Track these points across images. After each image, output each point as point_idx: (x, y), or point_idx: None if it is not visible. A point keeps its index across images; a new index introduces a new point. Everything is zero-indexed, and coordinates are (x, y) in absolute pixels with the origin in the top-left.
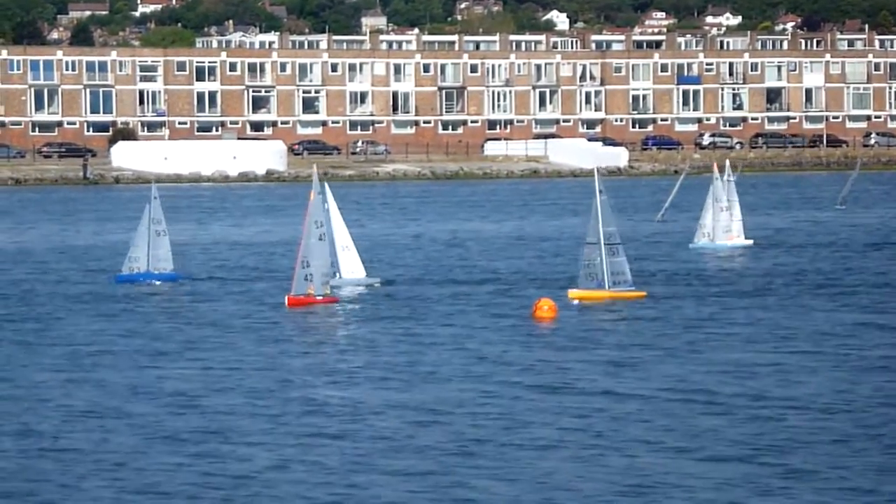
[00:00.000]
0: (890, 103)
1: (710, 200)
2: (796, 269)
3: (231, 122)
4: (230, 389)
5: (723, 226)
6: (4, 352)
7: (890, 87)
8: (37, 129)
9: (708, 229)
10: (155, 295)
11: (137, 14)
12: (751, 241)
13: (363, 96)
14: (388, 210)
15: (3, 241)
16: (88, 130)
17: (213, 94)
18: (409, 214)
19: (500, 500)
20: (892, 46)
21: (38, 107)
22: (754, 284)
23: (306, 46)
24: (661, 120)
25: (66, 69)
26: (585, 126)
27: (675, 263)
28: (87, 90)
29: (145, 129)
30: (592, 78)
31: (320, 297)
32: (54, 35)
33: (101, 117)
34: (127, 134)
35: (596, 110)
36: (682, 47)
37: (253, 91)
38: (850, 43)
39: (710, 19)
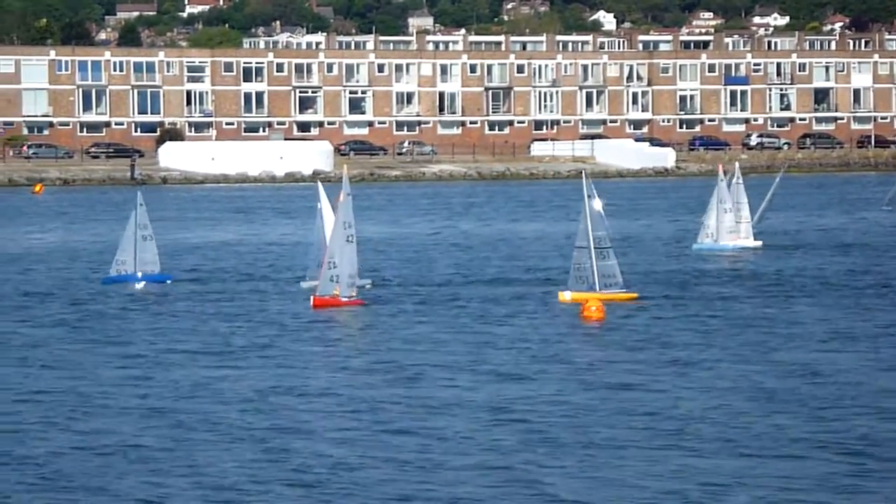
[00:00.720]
0: None
1: (713, 201)
2: (795, 271)
3: (278, 123)
4: (294, 389)
5: (727, 227)
6: (71, 352)
7: None
8: (85, 129)
9: (711, 230)
10: (174, 297)
11: (185, 15)
12: (759, 243)
13: (410, 97)
14: (430, 210)
15: (56, 240)
16: (136, 131)
17: (259, 95)
18: (453, 214)
19: (573, 497)
20: None
21: (86, 107)
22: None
23: (353, 47)
24: (709, 120)
25: (114, 70)
26: (632, 126)
27: (680, 263)
28: (135, 91)
29: (192, 129)
30: (639, 78)
31: (346, 299)
32: (102, 36)
33: (148, 118)
34: (174, 134)
35: (643, 111)
36: (730, 48)
37: (300, 91)
38: None
39: (757, 19)
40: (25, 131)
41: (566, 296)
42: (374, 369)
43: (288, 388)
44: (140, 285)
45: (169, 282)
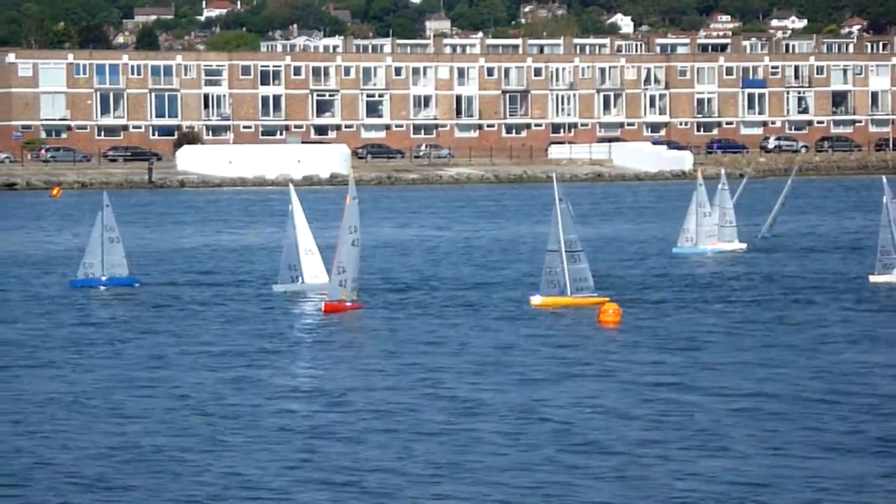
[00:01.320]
0: None
1: (693, 206)
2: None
3: (295, 126)
4: (321, 390)
5: (706, 231)
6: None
7: None
8: (102, 132)
9: (691, 234)
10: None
11: (202, 18)
12: (744, 245)
13: (427, 100)
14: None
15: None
16: (154, 134)
17: (277, 98)
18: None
19: (634, 497)
20: None
21: (104, 111)
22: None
23: (370, 50)
24: (727, 123)
25: (132, 73)
26: (650, 129)
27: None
28: (153, 94)
29: (210, 132)
30: (657, 81)
31: (349, 304)
32: (120, 39)
33: (166, 121)
34: (192, 138)
35: (660, 114)
36: (748, 50)
37: (317, 95)
38: None
39: (775, 22)
40: (43, 135)
41: (536, 300)
42: (400, 371)
43: (314, 389)
44: (102, 288)
45: (137, 285)
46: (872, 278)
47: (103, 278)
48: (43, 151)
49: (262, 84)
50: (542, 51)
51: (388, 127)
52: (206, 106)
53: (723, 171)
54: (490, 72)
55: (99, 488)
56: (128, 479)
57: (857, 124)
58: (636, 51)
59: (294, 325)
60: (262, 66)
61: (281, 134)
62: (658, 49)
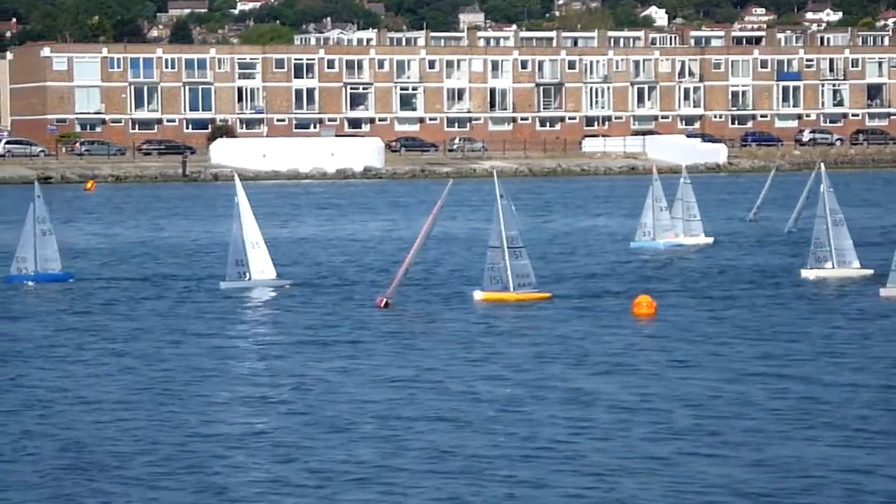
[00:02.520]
0: None
1: (649, 201)
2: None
3: (329, 119)
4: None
5: (663, 225)
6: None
7: None
8: (136, 126)
9: (648, 228)
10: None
11: (236, 12)
12: (711, 239)
13: (461, 93)
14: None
15: (136, 235)
16: (187, 128)
17: (311, 92)
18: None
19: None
20: None
21: (138, 104)
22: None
23: (404, 43)
24: (761, 116)
25: (166, 67)
26: (684, 122)
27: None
28: (187, 88)
29: (244, 126)
30: (691, 74)
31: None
32: (154, 33)
33: (200, 115)
34: (226, 131)
35: (695, 107)
36: (782, 43)
37: (351, 88)
38: None
39: (810, 15)
40: (78, 128)
41: (478, 295)
42: (468, 362)
43: (388, 380)
44: (30, 284)
45: (71, 280)
46: (804, 272)
47: (32, 273)
48: (77, 145)
49: (295, 77)
50: (575, 44)
51: (421, 120)
52: (240, 99)
53: (684, 166)
54: (524, 65)
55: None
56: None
57: (892, 117)
58: (670, 43)
59: (355, 319)
60: (295, 60)
61: (314, 127)
62: (692, 42)
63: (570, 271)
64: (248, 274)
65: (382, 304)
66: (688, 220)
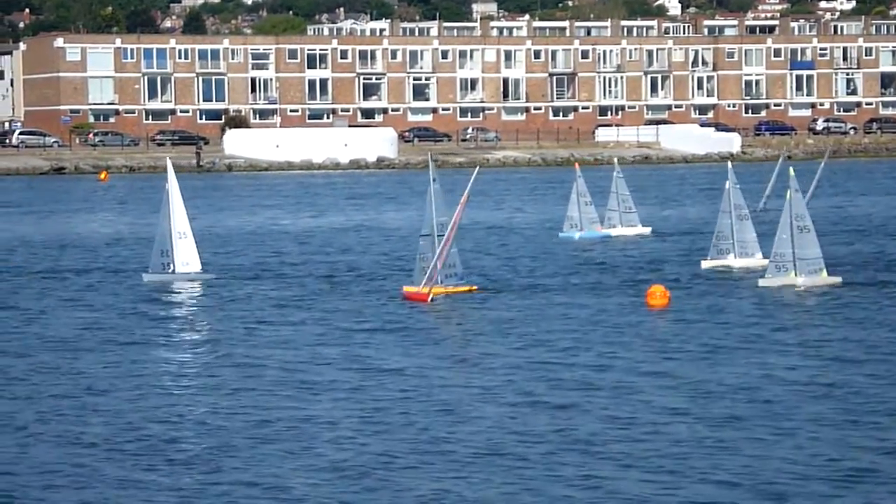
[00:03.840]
0: None
1: (574, 195)
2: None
3: (342, 110)
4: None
5: (589, 217)
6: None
7: None
8: (150, 117)
9: (575, 221)
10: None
11: (249, 2)
12: (648, 230)
13: (474, 83)
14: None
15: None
16: (201, 118)
17: (324, 82)
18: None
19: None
20: None
21: (152, 95)
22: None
23: (417, 33)
24: (775, 105)
25: (179, 57)
26: (697, 111)
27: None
28: (200, 78)
29: (257, 116)
30: (705, 63)
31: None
32: (167, 24)
33: (213, 105)
34: (239, 122)
35: (708, 96)
36: (796, 32)
37: (364, 78)
38: None
39: (823, 4)
40: (91, 119)
41: (409, 289)
42: (517, 355)
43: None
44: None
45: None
46: (704, 263)
47: None
48: (91, 136)
49: (308, 68)
50: (589, 33)
51: (434, 110)
52: (253, 90)
53: (616, 160)
54: (537, 54)
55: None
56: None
57: None
58: (684, 33)
59: (396, 313)
60: (308, 50)
61: (328, 117)
62: (706, 31)
63: (492, 262)
64: (171, 266)
65: (427, 299)
66: (624, 211)
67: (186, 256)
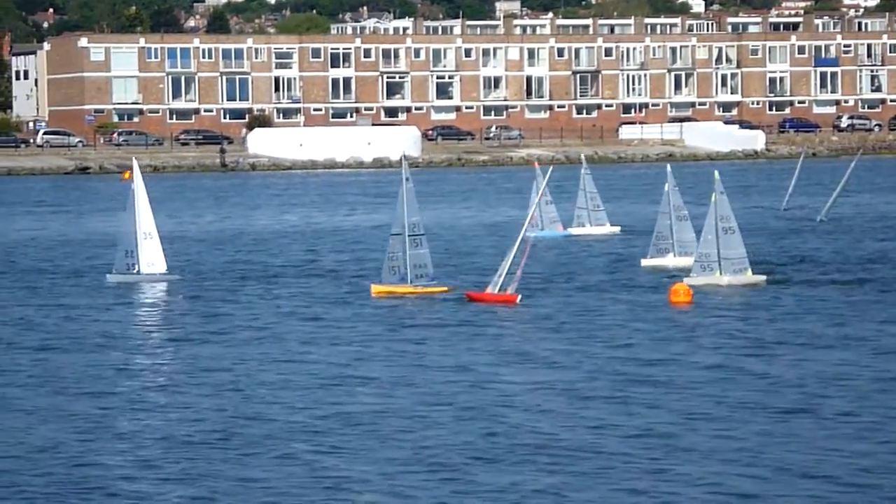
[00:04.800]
0: None
1: (533, 195)
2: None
3: (365, 109)
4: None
5: (550, 217)
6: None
7: None
8: (174, 116)
9: (536, 220)
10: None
11: (273, 1)
12: (617, 229)
13: (497, 81)
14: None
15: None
16: (225, 118)
17: (347, 81)
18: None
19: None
20: None
21: (176, 94)
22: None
23: (440, 32)
24: (799, 102)
25: (203, 57)
26: (721, 109)
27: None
28: (224, 77)
29: (281, 115)
30: (729, 60)
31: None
32: (191, 23)
33: (237, 104)
34: (263, 121)
35: (732, 93)
36: (820, 29)
37: (387, 77)
38: None
39: (847, 0)
40: (115, 118)
41: (377, 289)
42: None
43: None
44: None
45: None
46: (644, 262)
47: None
48: (115, 135)
49: (332, 67)
50: (612, 31)
51: (458, 109)
52: (277, 89)
53: (583, 156)
54: (560, 52)
55: None
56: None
57: None
58: (707, 30)
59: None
60: (332, 49)
61: (351, 116)
62: (729, 28)
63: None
64: (136, 266)
65: (515, 300)
66: (593, 209)
67: (152, 257)
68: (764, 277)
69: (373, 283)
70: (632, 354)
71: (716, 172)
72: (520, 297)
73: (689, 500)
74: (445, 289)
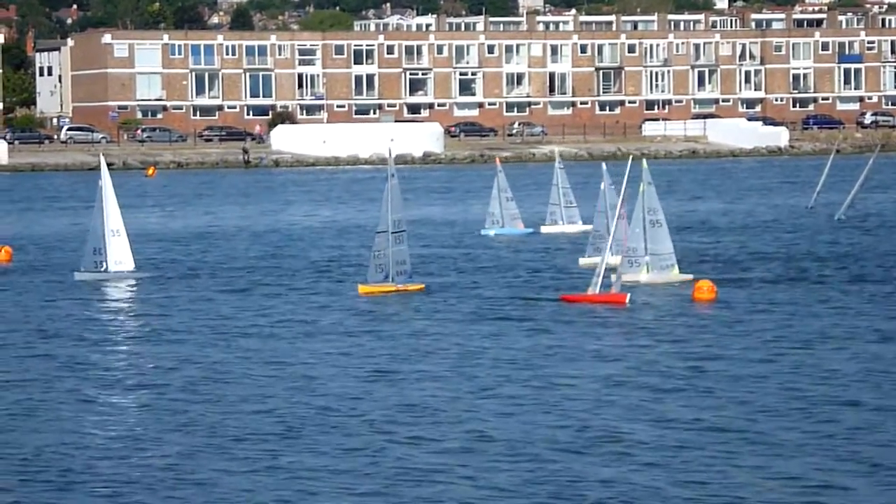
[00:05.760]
0: None
1: (495, 191)
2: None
3: (388, 105)
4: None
5: (510, 214)
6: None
7: None
8: (197, 113)
9: (497, 217)
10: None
11: None
12: (589, 227)
13: (520, 77)
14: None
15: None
16: (248, 114)
17: (370, 77)
18: None
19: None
20: None
21: (199, 91)
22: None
23: (463, 28)
24: (822, 99)
25: (227, 53)
26: (745, 105)
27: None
28: (247, 74)
29: (304, 112)
30: (752, 57)
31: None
32: (214, 20)
33: (260, 101)
34: (286, 117)
35: (756, 90)
36: (844, 25)
37: (410, 73)
38: None
39: None
40: (139, 115)
41: (364, 289)
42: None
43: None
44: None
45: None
46: (582, 261)
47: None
48: (139, 132)
49: (355, 63)
50: (635, 27)
51: (480, 105)
52: (300, 85)
53: (556, 150)
54: (583, 49)
55: None
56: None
57: None
58: (731, 26)
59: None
60: (355, 46)
61: (374, 113)
62: (753, 24)
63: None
64: (104, 264)
65: (624, 300)
66: (566, 206)
67: (120, 255)
68: (691, 276)
69: (359, 283)
70: (669, 348)
71: (643, 161)
72: (629, 295)
73: (758, 491)
74: (421, 286)
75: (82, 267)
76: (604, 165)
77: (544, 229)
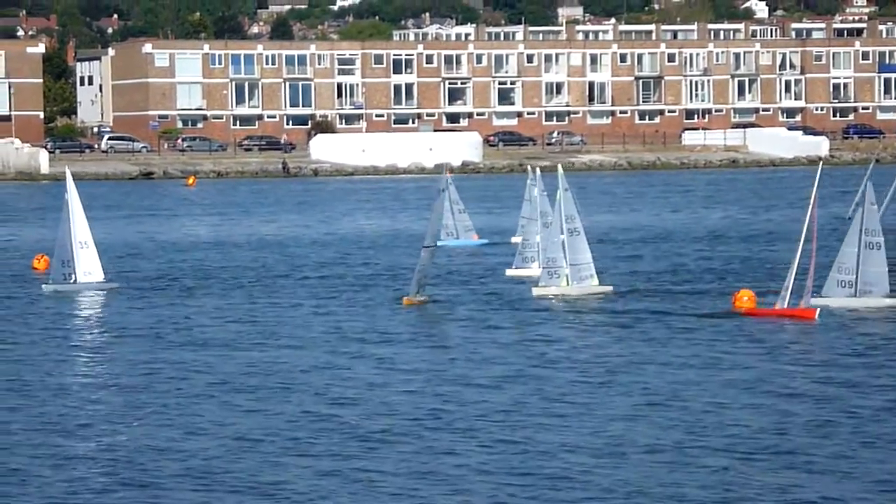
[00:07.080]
0: None
1: (447, 204)
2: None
3: (427, 114)
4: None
5: (464, 225)
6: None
7: None
8: (237, 122)
9: (451, 229)
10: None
11: (336, 8)
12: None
13: (559, 87)
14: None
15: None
16: (288, 123)
17: (409, 87)
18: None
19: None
20: None
21: (239, 100)
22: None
23: (502, 38)
24: (863, 109)
25: (266, 63)
26: (785, 115)
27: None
28: (287, 84)
29: (343, 121)
30: (792, 66)
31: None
32: (254, 29)
33: (300, 110)
34: (325, 127)
35: (796, 99)
36: (884, 35)
37: (449, 83)
38: None
39: None
40: (180, 124)
41: (408, 300)
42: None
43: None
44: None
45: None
46: (509, 272)
47: None
48: (179, 141)
49: (394, 73)
50: (675, 36)
51: (519, 114)
52: (340, 95)
53: (529, 168)
54: (623, 58)
55: None
56: None
57: None
58: (771, 36)
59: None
60: (394, 55)
61: (413, 122)
62: (793, 34)
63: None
64: (73, 276)
65: (813, 316)
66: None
67: (88, 266)
68: (611, 287)
69: (405, 297)
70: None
71: (559, 166)
72: (818, 310)
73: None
74: (426, 298)
75: (51, 279)
76: (537, 171)
77: (514, 240)
